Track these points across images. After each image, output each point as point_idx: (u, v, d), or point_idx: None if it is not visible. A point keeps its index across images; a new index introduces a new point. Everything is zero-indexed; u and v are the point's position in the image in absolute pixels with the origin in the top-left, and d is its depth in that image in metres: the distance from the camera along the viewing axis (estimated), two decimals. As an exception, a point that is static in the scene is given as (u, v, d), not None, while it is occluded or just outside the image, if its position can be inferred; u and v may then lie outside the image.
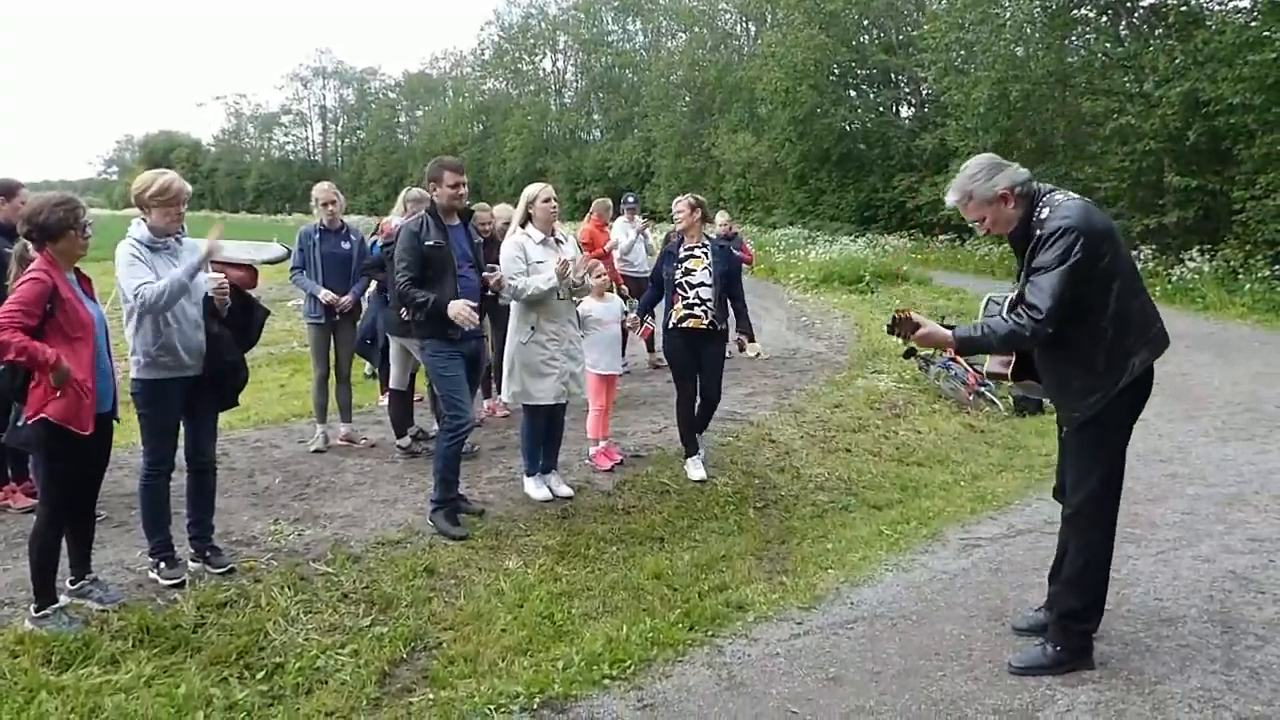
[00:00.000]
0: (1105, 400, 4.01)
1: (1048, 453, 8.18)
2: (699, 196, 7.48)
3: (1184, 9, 21.30)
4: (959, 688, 4.02)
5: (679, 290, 7.12)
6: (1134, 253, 20.73)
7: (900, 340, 4.24)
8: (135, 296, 4.54)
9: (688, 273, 7.13)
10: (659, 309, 7.59)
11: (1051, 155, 24.74)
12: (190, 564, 5.01)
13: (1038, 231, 4.00)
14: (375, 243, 7.61)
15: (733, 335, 7.47)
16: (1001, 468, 7.92)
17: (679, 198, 7.42)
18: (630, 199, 12.14)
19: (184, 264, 4.67)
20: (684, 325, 7.13)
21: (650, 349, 11.32)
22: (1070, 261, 3.84)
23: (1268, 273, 17.48)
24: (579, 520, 6.20)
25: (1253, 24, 18.22)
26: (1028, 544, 5.84)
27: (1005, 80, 23.71)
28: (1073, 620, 4.15)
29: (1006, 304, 4.26)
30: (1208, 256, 19.17)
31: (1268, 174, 17.53)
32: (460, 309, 5.57)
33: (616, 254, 11.20)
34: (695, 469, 7.21)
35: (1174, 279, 19.26)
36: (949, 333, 4.12)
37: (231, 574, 4.98)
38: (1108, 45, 23.92)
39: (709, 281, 7.10)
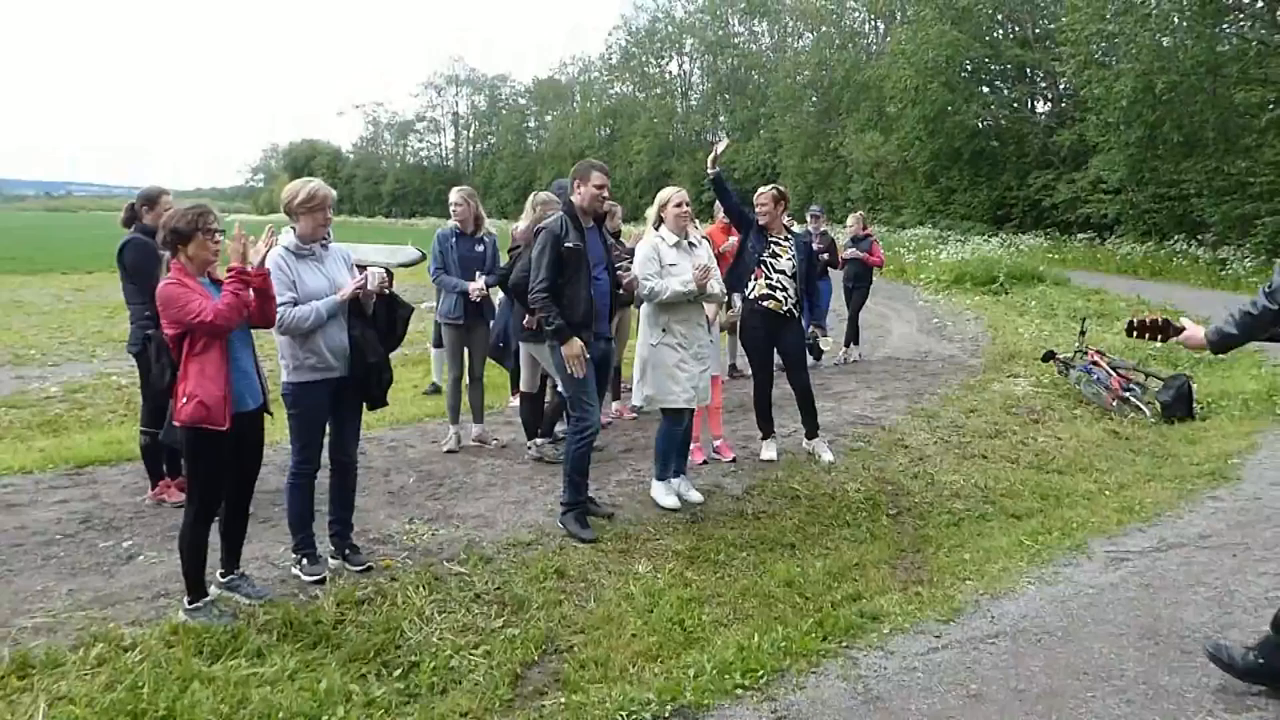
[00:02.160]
0: None
1: (1199, 461, 7.82)
2: (782, 187, 7.64)
3: (1349, -9, 20.10)
4: (1111, 710, 3.82)
5: (762, 267, 7.30)
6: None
7: (1156, 340, 4.13)
8: (276, 316, 4.69)
9: (774, 255, 7.30)
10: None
11: (1201, 148, 23.65)
12: (330, 561, 5.14)
13: None
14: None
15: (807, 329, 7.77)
16: (1149, 477, 7.56)
17: (764, 189, 7.52)
18: (816, 209, 12.15)
19: (331, 299, 4.83)
20: (764, 304, 7.29)
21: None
22: None
23: None
24: (708, 525, 6.15)
25: None
26: (1180, 559, 5.54)
27: (1151, 72, 22.77)
28: None
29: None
30: (1374, 254, 18.00)
31: None
32: (576, 353, 5.64)
33: None
34: (768, 450, 7.46)
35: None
36: (1199, 332, 3.99)
37: (369, 572, 5.09)
38: (1264, 32, 22.71)
39: (791, 272, 7.29)
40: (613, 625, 4.79)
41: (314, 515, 5.15)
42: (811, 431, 7.57)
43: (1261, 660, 3.84)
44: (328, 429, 5.08)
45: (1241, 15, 23.34)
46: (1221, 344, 3.92)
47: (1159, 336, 4.22)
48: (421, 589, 4.93)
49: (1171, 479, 7.42)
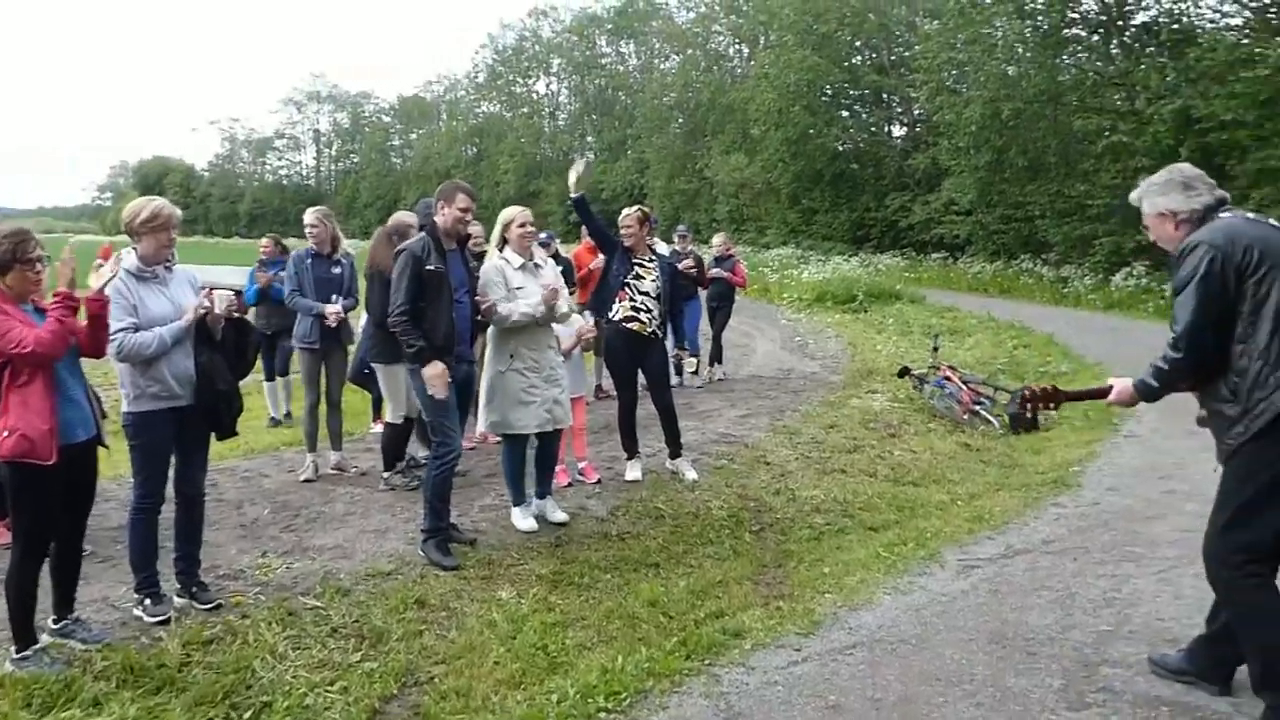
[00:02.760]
0: (1242, 437, 3.67)
1: (1043, 470, 8.17)
2: (647, 209, 7.72)
3: (1175, 27, 21.52)
4: (962, 714, 3.94)
5: (626, 289, 7.31)
6: (1126, 269, 20.89)
7: (1042, 412, 4.21)
8: (114, 343, 4.47)
9: (638, 278, 7.34)
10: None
11: (1044, 172, 24.89)
12: (176, 600, 4.90)
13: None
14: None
15: (671, 350, 7.93)
16: (998, 486, 7.85)
17: (629, 210, 7.55)
18: (683, 229, 12.23)
19: (175, 324, 4.63)
20: (628, 325, 7.30)
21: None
22: (1199, 276, 3.63)
23: (1261, 287, 17.50)
24: (573, 548, 6.11)
25: (1244, 41, 18.37)
26: (1026, 564, 5.77)
27: (997, 99, 23.89)
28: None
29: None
30: (1201, 272, 19.19)
31: (1261, 189, 17.63)
32: (438, 374, 5.53)
33: None
34: (633, 470, 7.46)
35: (1167, 295, 19.24)
36: (1129, 384, 3.94)
37: (218, 610, 4.87)
38: (1099, 64, 24.14)
39: (655, 294, 7.35)
40: (475, 654, 4.70)
41: (158, 552, 4.89)
42: (675, 451, 7.62)
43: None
44: (173, 461, 4.87)
45: (1079, 47, 24.70)
46: (1149, 397, 3.93)
47: (1052, 404, 4.33)
48: (274, 625, 4.75)
49: (1018, 488, 7.72)
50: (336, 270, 7.44)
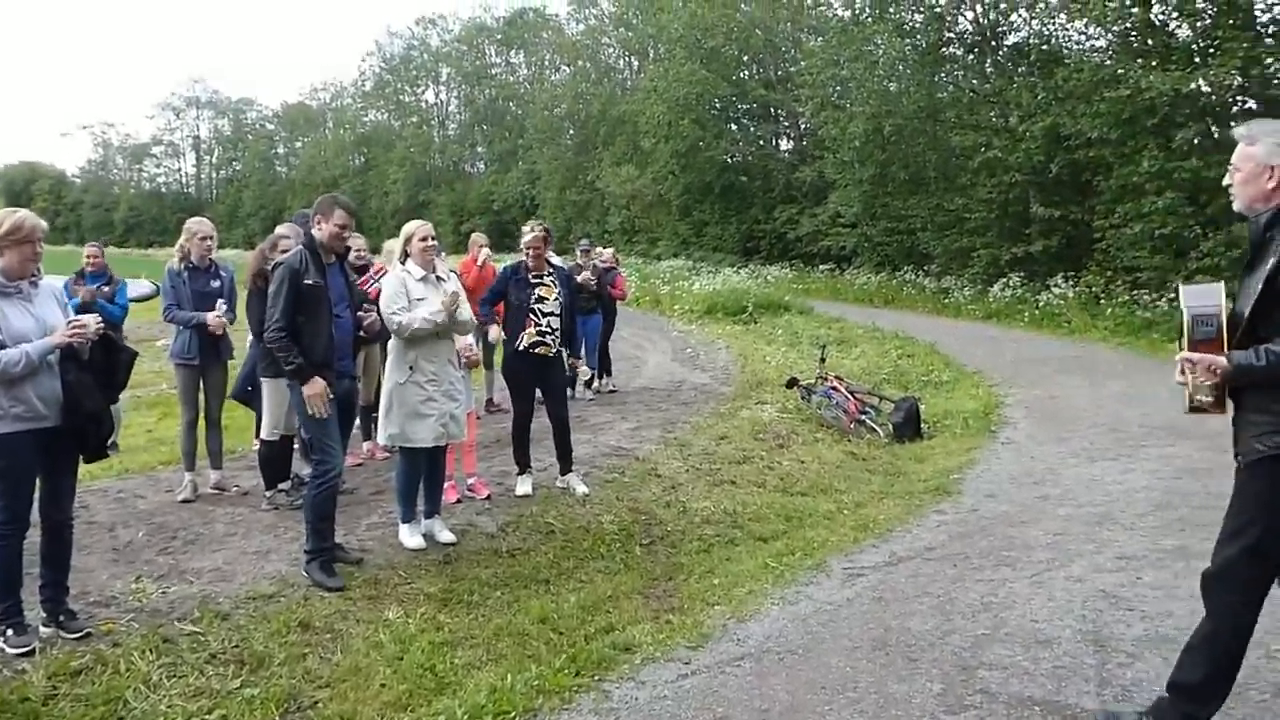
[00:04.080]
0: None
1: (926, 478, 8.41)
2: (548, 225, 7.72)
3: (1044, 48, 22.45)
4: (845, 722, 4.02)
5: (532, 316, 7.27)
6: (1002, 280, 21.69)
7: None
8: None
9: (540, 300, 7.31)
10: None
11: (925, 186, 25.61)
12: (42, 630, 4.67)
13: (1271, 233, 3.38)
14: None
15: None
16: (883, 495, 8.04)
17: (535, 224, 7.54)
18: (585, 242, 12.21)
19: (43, 342, 4.42)
20: (535, 351, 7.29)
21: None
22: None
23: (1127, 298, 18.40)
24: (462, 565, 6.04)
25: (1108, 63, 19.22)
26: (909, 571, 5.92)
27: (879, 115, 24.49)
28: (1181, 696, 3.63)
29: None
30: (1072, 283, 20.10)
31: (1124, 204, 18.47)
32: (318, 393, 5.43)
33: None
34: (523, 485, 7.39)
35: (1041, 305, 20.13)
36: (1223, 361, 3.35)
37: (87, 639, 4.66)
38: (975, 82, 25.01)
39: (559, 311, 7.36)
40: (360, 676, 4.61)
41: (22, 580, 4.66)
42: (566, 466, 7.60)
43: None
44: (38, 484, 4.65)
45: (956, 66, 25.54)
46: (1241, 379, 3.40)
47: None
48: (148, 653, 4.57)
49: (902, 496, 7.92)
50: (215, 283, 7.22)
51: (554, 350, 7.35)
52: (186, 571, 5.65)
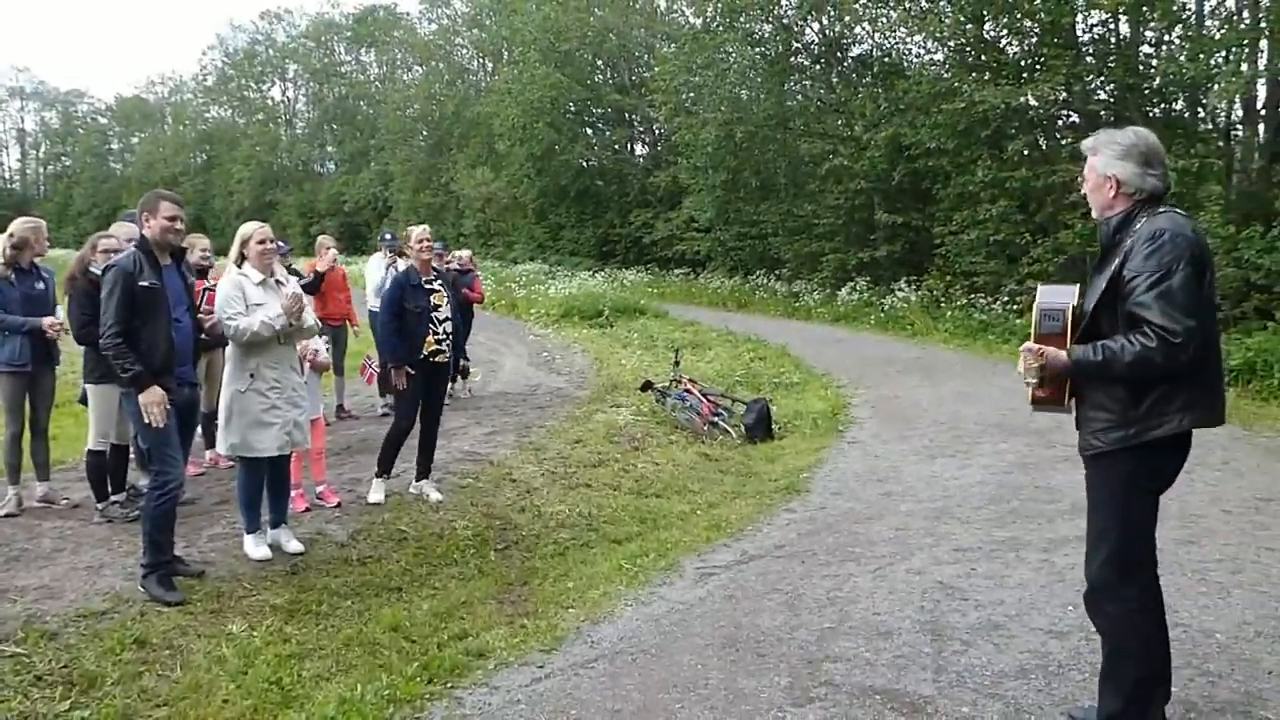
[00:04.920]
0: (1125, 443, 3.45)
1: (776, 478, 8.61)
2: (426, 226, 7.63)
3: (886, 60, 23.32)
4: (697, 718, 4.08)
5: (431, 324, 7.19)
6: (850, 284, 22.41)
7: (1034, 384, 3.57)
8: None
9: (435, 307, 7.24)
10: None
11: (775, 193, 26.24)
12: None
13: (1128, 239, 3.44)
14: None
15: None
16: (735, 495, 8.19)
17: (423, 228, 7.45)
18: (389, 235, 11.85)
19: None
20: (435, 359, 7.24)
21: (382, 393, 10.91)
22: (1183, 269, 3.28)
23: (965, 301, 19.26)
24: (310, 575, 5.89)
25: (945, 75, 20.07)
26: (759, 569, 6.05)
27: (731, 122, 24.94)
28: None
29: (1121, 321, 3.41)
30: (914, 287, 20.92)
31: (961, 212, 19.35)
32: (157, 401, 5.22)
33: (369, 292, 10.95)
34: (377, 492, 7.26)
35: (886, 308, 20.86)
36: (1063, 355, 3.45)
37: (-100, 663, 4.38)
38: (822, 91, 25.74)
39: (449, 315, 7.34)
40: (201, 694, 4.44)
41: None
42: (424, 472, 7.50)
43: None
44: None
45: (803, 76, 26.26)
46: (1088, 374, 3.50)
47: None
48: (-34, 678, 4.31)
49: (754, 495, 8.09)
50: (40, 285, 6.83)
51: (448, 357, 7.34)
52: (9, 590, 5.31)
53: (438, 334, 7.22)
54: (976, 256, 19.28)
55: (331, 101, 65.45)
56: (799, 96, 26.51)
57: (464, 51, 52.54)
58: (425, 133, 49.79)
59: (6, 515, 6.64)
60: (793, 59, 25.50)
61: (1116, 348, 3.33)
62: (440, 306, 7.28)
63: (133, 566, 5.57)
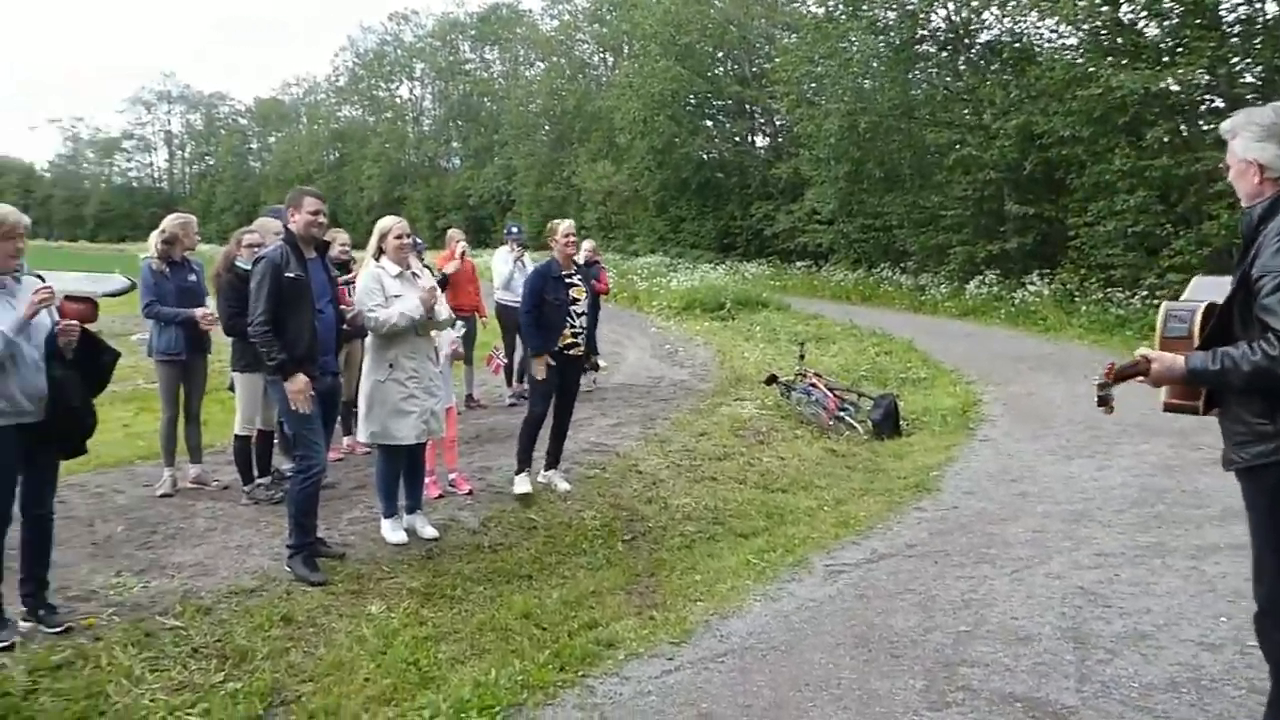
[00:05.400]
0: (1266, 459, 3.13)
1: (905, 475, 8.45)
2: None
3: (1017, 46, 22.54)
4: (829, 718, 4.04)
5: (568, 317, 7.26)
6: (978, 277, 21.82)
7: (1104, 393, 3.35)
8: None
9: (573, 301, 7.30)
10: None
11: (900, 184, 25.70)
12: (21, 625, 4.64)
13: (1263, 227, 3.15)
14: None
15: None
16: (863, 491, 8.07)
17: (569, 223, 7.52)
18: (514, 228, 12.03)
19: (13, 318, 4.37)
20: (569, 352, 7.30)
21: (510, 382, 11.13)
22: None
23: (1100, 295, 18.54)
24: (444, 560, 6.03)
25: (1079, 60, 19.33)
26: (890, 568, 5.96)
27: (854, 112, 24.53)
28: None
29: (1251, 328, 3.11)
30: (1046, 280, 20.22)
31: (1097, 202, 18.61)
32: (300, 389, 5.41)
33: (496, 284, 11.18)
34: (523, 484, 7.25)
35: (1016, 302, 20.24)
36: (1180, 363, 3.18)
37: (68, 633, 4.63)
38: (948, 79, 25.11)
39: (585, 309, 7.40)
40: (344, 671, 4.59)
41: (2, 575, 4.63)
42: (553, 462, 7.58)
43: None
44: (19, 479, 4.61)
45: (929, 63, 25.65)
46: (1201, 382, 3.28)
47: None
48: (130, 647, 4.54)
49: (882, 492, 7.95)
50: (192, 278, 7.18)
51: (581, 351, 7.41)
52: (167, 566, 5.61)
53: (574, 327, 7.29)
54: (1113, 249, 18.53)
55: (456, 98, 66.80)
56: (924, 85, 25.88)
57: (585, 46, 52.97)
58: (547, 127, 50.38)
59: (163, 495, 7.02)
60: (918, 47, 24.88)
61: (1237, 355, 3.00)
62: (578, 301, 7.33)
63: (278, 547, 5.80)
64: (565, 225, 7.43)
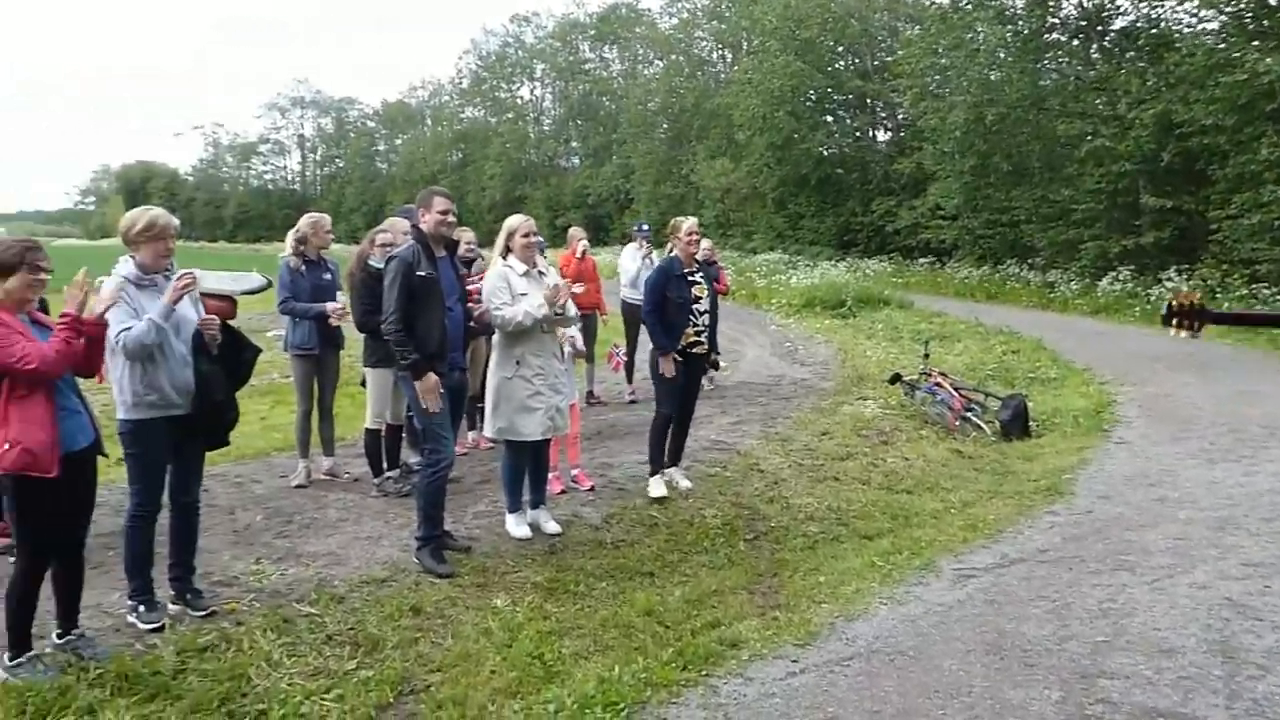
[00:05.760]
0: None
1: (1036, 478, 8.18)
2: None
3: (1154, 32, 21.67)
4: (961, 726, 3.94)
5: (691, 315, 7.22)
6: (1111, 274, 21.01)
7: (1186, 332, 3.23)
8: (117, 342, 4.46)
9: (696, 299, 7.27)
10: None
11: (1028, 177, 24.97)
12: (170, 607, 4.88)
13: None
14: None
15: None
16: (991, 494, 7.84)
17: (692, 220, 7.49)
18: (644, 226, 12.08)
19: (159, 306, 4.57)
20: (693, 351, 7.26)
21: (630, 379, 11.17)
22: None
23: (1245, 291, 17.67)
24: (568, 555, 6.09)
25: (1221, 46, 18.47)
26: (1022, 574, 5.77)
27: (980, 104, 23.94)
28: None
29: None
30: (1185, 276, 19.39)
31: (1242, 193, 17.75)
32: (431, 388, 5.52)
33: (623, 281, 11.26)
34: (658, 487, 7.22)
35: (1153, 299, 19.38)
36: None
37: (212, 616, 4.85)
38: (1080, 68, 24.29)
39: (708, 308, 7.34)
40: (470, 662, 4.68)
41: (153, 559, 4.87)
42: (674, 460, 7.58)
43: None
44: (168, 468, 4.84)
45: (1060, 52, 24.83)
46: None
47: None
48: (269, 632, 4.72)
49: (1012, 495, 7.72)
50: (327, 276, 7.42)
51: (704, 349, 7.36)
52: (302, 555, 5.82)
53: (697, 325, 7.25)
54: (1259, 243, 17.62)
55: (576, 98, 67.31)
56: (1055, 75, 25.12)
57: (704, 44, 52.79)
58: (665, 125, 50.37)
59: (297, 486, 7.28)
60: (1048, 36, 24.16)
61: None
62: (700, 299, 7.29)
63: (407, 539, 5.95)
64: (689, 223, 7.39)
